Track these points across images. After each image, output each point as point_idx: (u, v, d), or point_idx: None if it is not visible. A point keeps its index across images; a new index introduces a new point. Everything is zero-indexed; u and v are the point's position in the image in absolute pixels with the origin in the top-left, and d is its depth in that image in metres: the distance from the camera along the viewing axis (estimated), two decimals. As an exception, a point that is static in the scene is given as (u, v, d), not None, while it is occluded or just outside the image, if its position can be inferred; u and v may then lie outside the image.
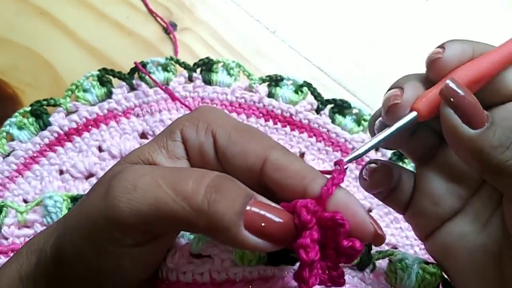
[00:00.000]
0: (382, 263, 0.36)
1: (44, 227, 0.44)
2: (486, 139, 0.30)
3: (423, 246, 0.40)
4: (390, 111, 0.31)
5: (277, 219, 0.27)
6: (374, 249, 0.37)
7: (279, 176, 0.29)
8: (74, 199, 0.45)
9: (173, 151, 0.30)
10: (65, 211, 0.44)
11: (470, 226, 0.34)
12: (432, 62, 0.34)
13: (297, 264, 0.28)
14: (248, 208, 0.26)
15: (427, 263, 0.36)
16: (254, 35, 0.61)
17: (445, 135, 0.32)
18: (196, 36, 0.60)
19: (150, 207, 0.26)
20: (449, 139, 0.31)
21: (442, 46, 0.34)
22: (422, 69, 0.68)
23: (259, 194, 0.28)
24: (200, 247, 0.31)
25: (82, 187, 0.49)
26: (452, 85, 0.31)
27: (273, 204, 0.28)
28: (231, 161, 0.30)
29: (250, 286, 0.30)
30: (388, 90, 0.33)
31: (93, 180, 0.49)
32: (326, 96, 0.58)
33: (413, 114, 0.31)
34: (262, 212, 0.27)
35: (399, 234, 0.50)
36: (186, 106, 0.53)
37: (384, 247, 0.42)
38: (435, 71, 0.33)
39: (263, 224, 0.26)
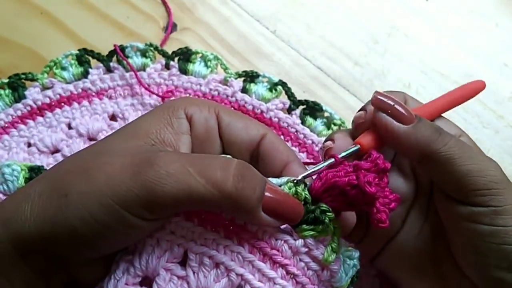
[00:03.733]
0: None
1: (0, 194, 0.46)
2: (419, 131, 0.36)
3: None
4: (326, 154, 0.39)
5: (286, 202, 0.33)
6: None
7: (271, 151, 0.37)
8: (31, 169, 0.46)
9: (178, 127, 0.35)
10: (21, 180, 0.45)
11: (408, 237, 0.41)
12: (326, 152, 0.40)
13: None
14: (266, 194, 0.32)
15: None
16: (254, 35, 0.61)
17: (384, 137, 0.38)
18: (196, 36, 0.60)
19: (182, 192, 0.29)
20: (387, 138, 0.38)
21: (331, 139, 0.40)
22: (421, 69, 0.67)
23: (248, 161, 0.34)
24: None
25: (47, 161, 0.50)
26: (379, 96, 0.38)
27: (279, 189, 0.33)
28: (234, 133, 0.37)
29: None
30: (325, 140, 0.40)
31: (58, 155, 0.50)
32: (326, 96, 0.58)
33: (357, 146, 0.38)
34: (275, 197, 0.32)
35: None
36: (154, 94, 0.53)
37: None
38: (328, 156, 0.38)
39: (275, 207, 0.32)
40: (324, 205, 0.34)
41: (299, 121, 0.54)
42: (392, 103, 0.37)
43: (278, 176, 0.36)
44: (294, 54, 0.61)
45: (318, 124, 0.54)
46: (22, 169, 0.46)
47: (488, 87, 0.62)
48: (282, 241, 0.33)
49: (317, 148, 0.53)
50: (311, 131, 0.54)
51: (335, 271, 0.34)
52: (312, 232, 0.33)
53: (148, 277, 0.32)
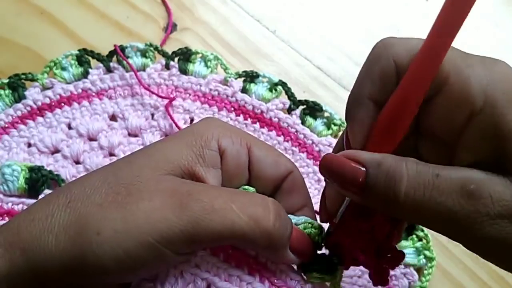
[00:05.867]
0: None
1: (0, 194, 0.46)
2: (373, 192, 0.30)
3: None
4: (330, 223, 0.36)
5: (306, 242, 0.34)
6: None
7: (292, 191, 0.37)
8: (31, 169, 0.46)
9: (210, 160, 0.34)
10: (22, 181, 0.45)
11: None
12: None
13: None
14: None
15: None
16: (254, 35, 0.61)
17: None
18: (196, 36, 0.60)
19: (226, 228, 0.29)
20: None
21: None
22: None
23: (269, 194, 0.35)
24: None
25: (47, 162, 0.50)
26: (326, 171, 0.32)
27: (300, 228, 0.35)
28: (264, 170, 0.36)
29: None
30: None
31: (58, 156, 0.50)
32: (326, 96, 0.58)
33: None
34: (298, 236, 0.33)
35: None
36: (155, 94, 0.53)
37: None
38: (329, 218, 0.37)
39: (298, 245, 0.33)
40: (335, 259, 0.36)
41: (299, 121, 0.54)
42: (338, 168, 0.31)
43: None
44: (294, 54, 0.61)
45: (318, 124, 0.55)
46: (22, 170, 0.46)
47: (488, 87, 0.62)
48: (296, 281, 0.34)
49: (317, 148, 0.54)
50: (311, 131, 0.54)
51: None
52: (319, 280, 0.36)
53: None
